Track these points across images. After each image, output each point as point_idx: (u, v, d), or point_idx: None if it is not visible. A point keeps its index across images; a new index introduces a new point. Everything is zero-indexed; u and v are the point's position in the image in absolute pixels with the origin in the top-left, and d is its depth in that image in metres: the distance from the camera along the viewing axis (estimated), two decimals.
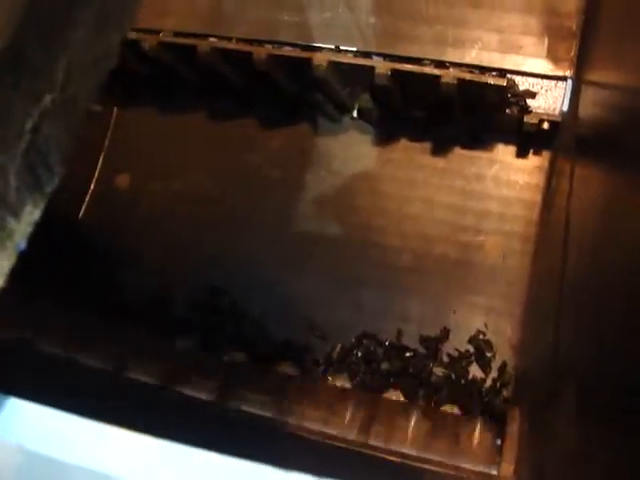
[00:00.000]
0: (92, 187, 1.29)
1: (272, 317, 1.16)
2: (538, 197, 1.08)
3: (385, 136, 1.19)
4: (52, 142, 0.27)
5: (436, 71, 1.00)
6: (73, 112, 0.28)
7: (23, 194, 0.26)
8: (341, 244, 1.18)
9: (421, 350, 1.08)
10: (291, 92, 1.17)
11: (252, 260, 1.21)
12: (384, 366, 1.10)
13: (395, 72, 1.02)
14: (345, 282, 1.17)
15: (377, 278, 1.15)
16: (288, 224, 1.22)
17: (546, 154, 1.09)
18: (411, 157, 1.18)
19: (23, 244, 0.27)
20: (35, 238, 0.34)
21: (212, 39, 1.12)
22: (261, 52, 1.08)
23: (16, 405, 0.45)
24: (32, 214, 0.27)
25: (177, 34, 1.13)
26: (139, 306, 1.14)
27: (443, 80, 0.99)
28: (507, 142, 1.12)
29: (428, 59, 1.01)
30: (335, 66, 1.06)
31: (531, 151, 1.10)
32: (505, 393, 1.02)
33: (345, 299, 1.16)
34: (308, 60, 1.07)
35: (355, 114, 1.19)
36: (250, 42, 1.11)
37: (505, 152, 1.12)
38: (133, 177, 1.31)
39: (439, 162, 1.15)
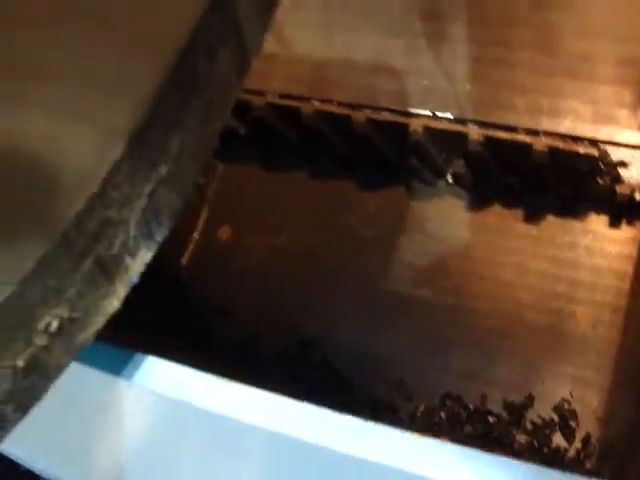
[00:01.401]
0: (195, 236, 1.43)
1: (358, 372, 1.24)
2: (630, 268, 1.11)
3: (479, 202, 1.26)
4: (164, 203, 0.36)
5: (528, 139, 1.07)
6: (183, 181, 0.37)
7: (139, 241, 0.35)
8: (432, 306, 1.25)
9: (505, 415, 1.13)
10: (389, 156, 1.27)
11: (343, 316, 1.29)
12: (467, 429, 1.15)
13: (488, 139, 1.10)
14: (433, 343, 1.23)
15: (466, 341, 1.21)
16: (381, 283, 1.30)
17: (639, 225, 1.14)
18: (504, 223, 1.24)
19: (135, 279, 0.36)
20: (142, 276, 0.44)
21: (315, 102, 1.23)
22: (360, 116, 1.19)
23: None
24: (145, 256, 0.36)
25: (282, 96, 1.25)
26: (228, 353, 1.25)
27: (535, 148, 1.06)
28: (600, 211, 1.16)
29: (522, 127, 1.09)
30: (431, 132, 1.15)
31: (624, 221, 1.14)
32: (588, 465, 1.04)
33: (432, 360, 1.22)
34: (405, 125, 1.16)
35: (450, 179, 1.27)
36: (351, 106, 1.21)
37: (598, 221, 1.17)
38: (234, 230, 1.43)
39: (532, 229, 1.21)
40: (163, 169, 0.35)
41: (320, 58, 1.26)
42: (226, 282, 1.38)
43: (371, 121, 1.17)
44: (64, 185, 0.31)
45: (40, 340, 0.31)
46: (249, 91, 1.26)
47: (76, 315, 0.32)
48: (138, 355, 0.57)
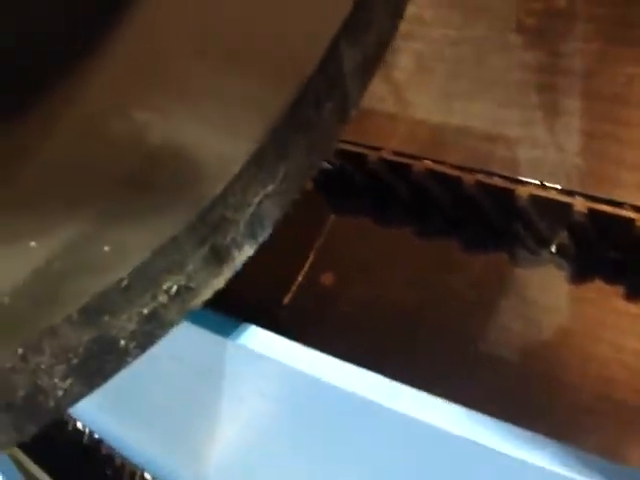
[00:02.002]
0: (299, 279, 1.52)
1: None
2: None
3: (581, 274, 1.29)
4: (268, 213, 0.45)
5: (633, 215, 1.10)
6: (284, 198, 0.46)
7: (245, 238, 0.45)
8: (521, 373, 1.28)
9: None
10: (495, 220, 1.33)
11: (437, 374, 1.34)
12: None
13: (593, 212, 1.14)
14: (519, 410, 1.25)
15: (552, 413, 1.23)
16: (473, 344, 1.34)
17: None
18: (604, 298, 1.26)
19: (239, 267, 0.46)
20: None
21: (427, 162, 1.31)
22: (470, 179, 1.25)
23: None
24: (248, 251, 0.47)
25: (397, 153, 1.34)
26: None
27: (638, 224, 1.09)
28: None
29: (627, 203, 1.13)
30: (537, 200, 1.20)
31: None
32: None
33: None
34: (512, 191, 1.22)
35: (554, 249, 1.31)
36: (462, 169, 1.28)
37: None
38: (337, 278, 1.51)
39: (632, 307, 1.23)
40: (270, 187, 0.45)
41: (437, 121, 1.34)
42: (322, 328, 1.46)
43: (480, 184, 1.24)
44: (196, 184, 0.42)
45: (162, 298, 0.41)
46: (366, 146, 1.35)
47: (191, 285, 0.43)
48: (246, 324, 0.64)
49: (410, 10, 1.45)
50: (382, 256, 1.47)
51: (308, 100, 0.46)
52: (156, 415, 0.83)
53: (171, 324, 0.44)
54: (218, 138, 0.43)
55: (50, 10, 0.55)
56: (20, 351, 0.38)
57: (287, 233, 1.55)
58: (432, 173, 1.28)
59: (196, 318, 0.57)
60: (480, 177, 1.25)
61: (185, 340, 0.58)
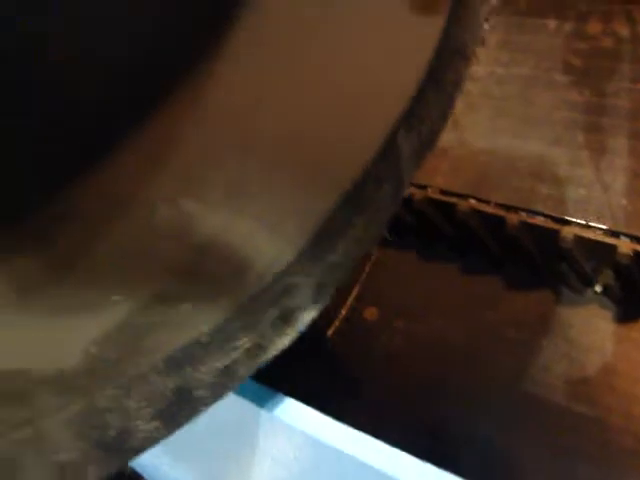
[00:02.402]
0: (343, 312, 1.55)
1: (483, 472, 1.29)
2: None
3: (625, 315, 1.30)
4: (329, 281, 0.49)
5: None
6: (344, 269, 0.49)
7: (309, 302, 0.48)
8: (563, 413, 1.28)
9: None
10: (538, 259, 1.34)
11: (472, 410, 1.36)
12: None
13: (638, 253, 1.16)
14: (561, 451, 1.26)
15: (595, 454, 1.24)
16: (514, 383, 1.35)
17: None
18: None
19: (302, 329, 0.49)
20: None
21: (472, 200, 1.33)
22: (514, 218, 1.27)
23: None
24: (311, 314, 0.49)
25: (442, 192, 1.37)
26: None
27: None
28: None
29: None
30: (582, 240, 1.22)
31: None
32: None
33: (559, 469, 1.25)
34: (557, 231, 1.24)
35: (598, 289, 1.33)
36: (506, 207, 1.30)
37: None
38: (381, 312, 1.54)
39: None
40: (330, 259, 0.48)
41: (483, 159, 1.36)
42: (365, 360, 1.48)
43: (524, 224, 1.26)
44: (256, 266, 0.46)
45: (236, 354, 0.44)
46: (413, 184, 1.38)
47: (262, 342, 0.46)
48: (280, 395, 0.67)
49: None
50: (425, 292, 1.49)
51: (369, 183, 0.51)
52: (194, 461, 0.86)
53: (242, 378, 0.47)
54: (267, 235, 0.48)
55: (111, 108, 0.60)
56: (114, 393, 0.42)
57: None
58: (476, 212, 1.30)
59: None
60: (524, 216, 1.26)
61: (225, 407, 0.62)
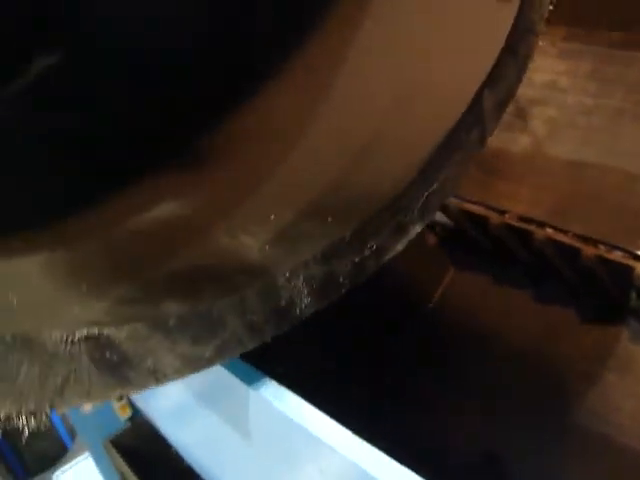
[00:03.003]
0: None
1: None
2: None
3: None
4: (432, 204, 0.65)
5: None
6: (444, 195, 0.66)
7: (417, 220, 0.64)
8: (628, 454, 1.28)
9: None
10: (612, 292, 1.35)
11: (534, 440, 1.37)
12: None
13: None
14: None
15: None
16: (582, 421, 1.35)
17: None
18: None
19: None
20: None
21: (549, 229, 1.35)
22: (590, 251, 1.28)
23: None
24: (418, 229, 0.65)
25: (520, 219, 1.38)
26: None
27: None
28: None
29: None
30: None
31: None
32: None
33: None
34: (631, 267, 1.24)
35: None
36: (583, 239, 1.31)
37: None
38: (453, 332, 1.57)
39: None
40: (432, 188, 0.65)
41: (565, 188, 1.37)
42: (436, 381, 1.51)
43: (599, 258, 1.27)
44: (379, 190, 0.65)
45: (367, 252, 0.63)
46: (490, 207, 1.41)
47: (384, 245, 0.64)
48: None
49: (546, 77, 1.50)
50: (496, 315, 1.51)
51: (461, 129, 0.67)
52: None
53: (369, 272, 0.64)
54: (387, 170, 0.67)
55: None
56: (287, 275, 0.59)
57: (410, 282, 1.61)
58: (553, 241, 1.31)
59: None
60: (601, 250, 1.27)
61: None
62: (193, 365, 0.55)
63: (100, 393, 0.52)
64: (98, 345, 0.51)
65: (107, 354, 0.51)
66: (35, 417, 0.49)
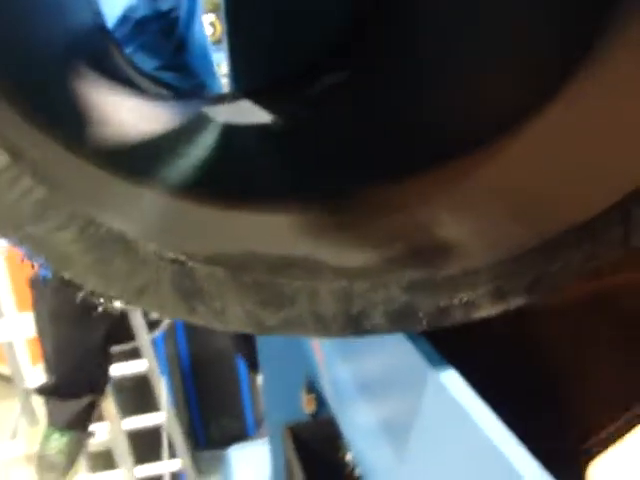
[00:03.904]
0: None
1: None
2: None
3: None
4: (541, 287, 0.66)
5: None
6: (559, 282, 0.66)
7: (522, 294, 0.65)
8: None
9: None
10: None
11: None
12: None
13: None
14: None
15: None
16: None
17: None
18: None
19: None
20: None
21: None
22: None
23: None
24: (521, 301, 0.65)
25: None
26: None
27: None
28: None
29: None
30: None
31: None
32: None
33: None
34: None
35: None
36: None
37: None
38: None
39: None
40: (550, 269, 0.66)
41: None
42: None
43: None
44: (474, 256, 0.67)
45: (455, 301, 0.65)
46: None
47: (476, 302, 0.66)
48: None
49: None
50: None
51: (602, 219, 0.65)
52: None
53: (454, 320, 0.65)
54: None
55: None
56: (366, 286, 0.64)
57: None
58: None
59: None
60: None
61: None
62: (255, 326, 0.64)
63: (171, 311, 0.63)
64: (181, 271, 0.62)
65: (186, 282, 0.62)
66: (112, 302, 0.63)
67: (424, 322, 0.65)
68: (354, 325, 0.65)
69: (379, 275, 0.64)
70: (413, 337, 0.70)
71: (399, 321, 0.65)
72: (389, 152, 0.90)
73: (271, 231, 0.75)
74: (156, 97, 1.52)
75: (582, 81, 0.72)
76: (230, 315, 0.63)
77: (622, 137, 0.68)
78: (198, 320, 0.63)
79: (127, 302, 0.62)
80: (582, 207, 0.65)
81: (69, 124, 0.81)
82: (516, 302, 0.65)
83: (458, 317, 0.65)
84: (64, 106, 0.85)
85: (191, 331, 3.61)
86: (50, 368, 2.50)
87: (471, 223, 0.70)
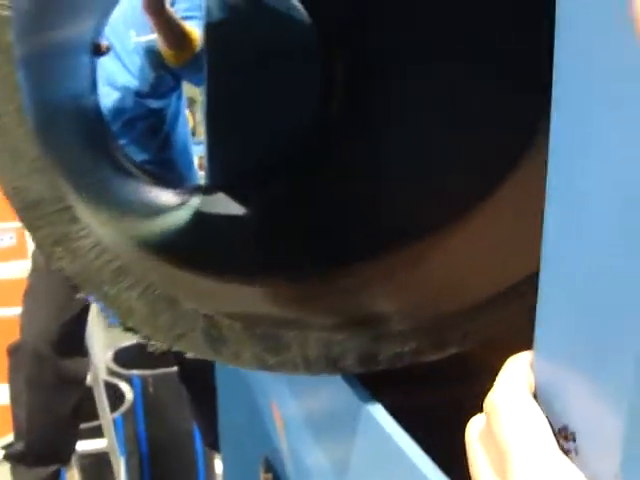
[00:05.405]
0: None
1: None
2: None
3: None
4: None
5: None
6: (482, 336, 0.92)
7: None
8: None
9: None
10: None
11: None
12: None
13: None
14: None
15: None
16: None
17: None
18: None
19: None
20: None
21: None
22: None
23: None
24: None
25: None
26: None
27: None
28: None
29: None
30: None
31: None
32: None
33: None
34: None
35: None
36: None
37: None
38: None
39: None
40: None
41: None
42: None
43: None
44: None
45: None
46: None
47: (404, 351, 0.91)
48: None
49: None
50: None
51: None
52: None
53: (405, 362, 0.91)
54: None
55: None
56: (342, 336, 0.91)
57: None
58: None
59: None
60: None
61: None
62: (260, 365, 0.90)
63: (202, 352, 0.89)
64: (211, 322, 0.88)
65: (213, 331, 0.88)
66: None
67: (384, 364, 0.92)
68: (332, 365, 0.91)
69: (349, 330, 0.91)
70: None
71: (365, 363, 0.92)
72: (340, 241, 1.20)
73: (266, 299, 1.03)
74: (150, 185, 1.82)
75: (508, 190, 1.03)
76: (243, 357, 0.89)
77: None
78: (221, 360, 0.89)
79: (170, 345, 0.88)
80: (490, 285, 0.92)
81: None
82: (451, 350, 0.92)
83: (407, 360, 0.92)
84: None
85: (150, 413, 3.77)
86: (20, 435, 2.64)
87: (403, 300, 0.97)
